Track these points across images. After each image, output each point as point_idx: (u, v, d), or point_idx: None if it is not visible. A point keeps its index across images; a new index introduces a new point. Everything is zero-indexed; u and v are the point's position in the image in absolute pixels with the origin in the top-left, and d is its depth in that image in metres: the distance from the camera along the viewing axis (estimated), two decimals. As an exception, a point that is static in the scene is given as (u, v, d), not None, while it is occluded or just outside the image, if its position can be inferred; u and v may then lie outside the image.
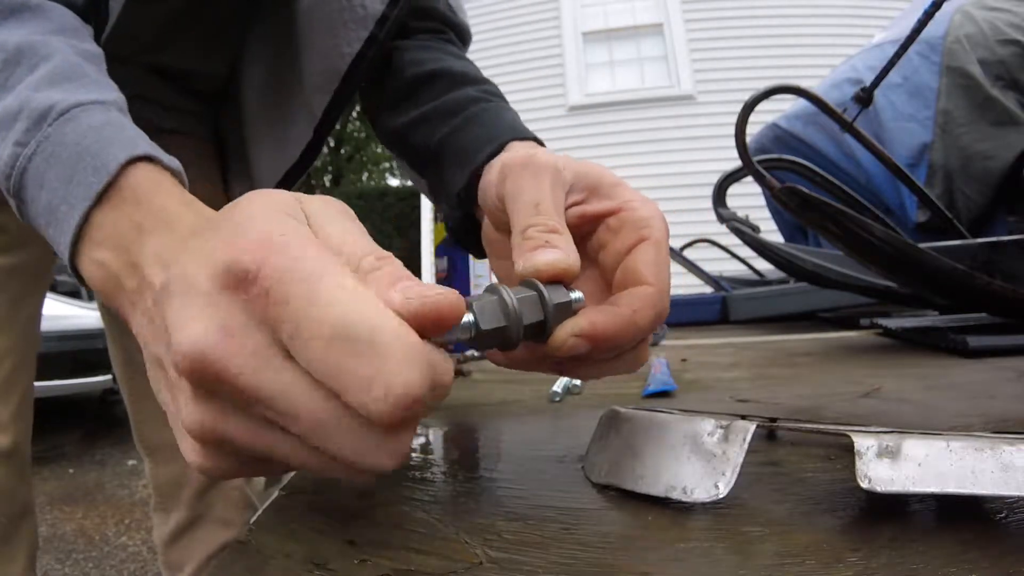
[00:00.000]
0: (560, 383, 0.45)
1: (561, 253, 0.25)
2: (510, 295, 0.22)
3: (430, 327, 0.19)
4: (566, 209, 0.29)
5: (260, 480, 1.95)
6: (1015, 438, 0.19)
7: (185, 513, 0.67)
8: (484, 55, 5.22)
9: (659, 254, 0.27)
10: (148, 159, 0.27)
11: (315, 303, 0.17)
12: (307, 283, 0.18)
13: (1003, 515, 0.19)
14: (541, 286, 0.24)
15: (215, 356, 0.18)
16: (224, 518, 0.68)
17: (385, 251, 0.21)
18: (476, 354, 0.69)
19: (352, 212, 0.23)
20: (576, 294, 0.25)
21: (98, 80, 0.30)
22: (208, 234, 0.21)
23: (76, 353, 2.94)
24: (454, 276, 0.79)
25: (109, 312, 0.67)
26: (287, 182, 0.58)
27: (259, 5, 0.56)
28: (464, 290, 0.78)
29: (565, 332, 0.24)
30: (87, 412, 3.58)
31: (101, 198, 0.26)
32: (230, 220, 0.20)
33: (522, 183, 0.29)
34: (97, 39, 0.42)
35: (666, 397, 0.43)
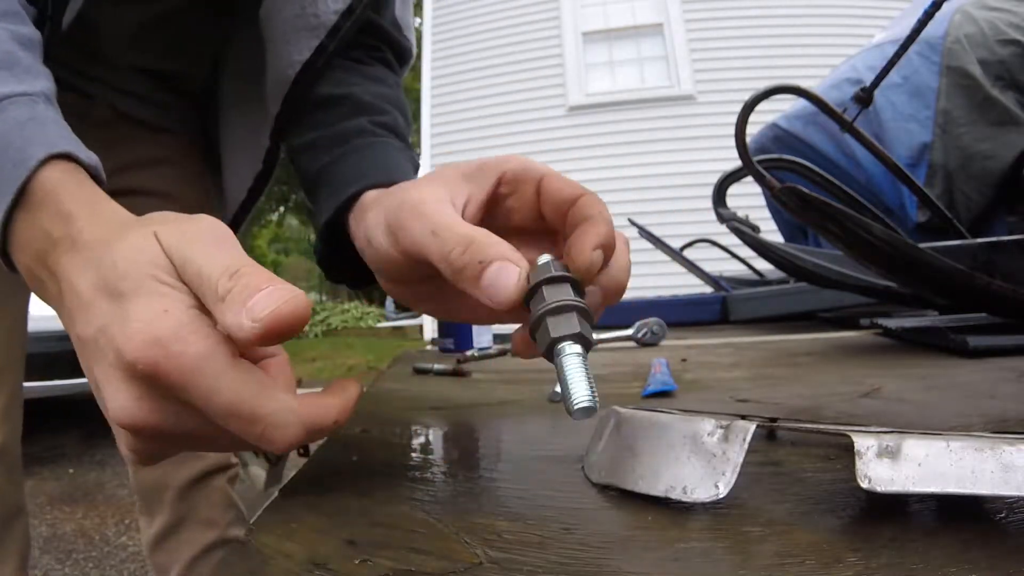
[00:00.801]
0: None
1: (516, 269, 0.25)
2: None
3: (283, 334, 0.22)
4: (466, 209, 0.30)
5: (260, 479, 1.94)
6: (1015, 438, 0.19)
7: (169, 515, 0.68)
8: (484, 55, 5.22)
9: (562, 180, 0.30)
10: (66, 157, 0.27)
11: (211, 394, 0.22)
12: (200, 376, 0.22)
13: (1003, 515, 0.19)
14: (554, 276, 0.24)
15: (141, 423, 0.23)
16: (208, 518, 0.69)
17: (243, 260, 0.24)
18: (476, 354, 0.69)
19: (211, 227, 0.25)
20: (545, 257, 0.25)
21: (30, 68, 0.30)
22: (107, 292, 0.24)
23: (76, 353, 2.94)
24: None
25: None
26: (256, 189, 0.59)
27: (234, 12, 0.56)
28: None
29: (588, 249, 0.25)
30: (87, 412, 3.57)
31: (20, 201, 0.26)
32: (125, 283, 0.23)
33: (417, 224, 0.28)
34: (58, 19, 0.42)
35: (666, 397, 0.43)
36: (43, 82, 0.30)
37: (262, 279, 0.23)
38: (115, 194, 0.29)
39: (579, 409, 0.21)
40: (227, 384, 0.22)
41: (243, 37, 0.57)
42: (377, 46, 0.53)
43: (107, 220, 0.26)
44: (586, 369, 0.22)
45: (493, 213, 0.31)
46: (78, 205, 0.26)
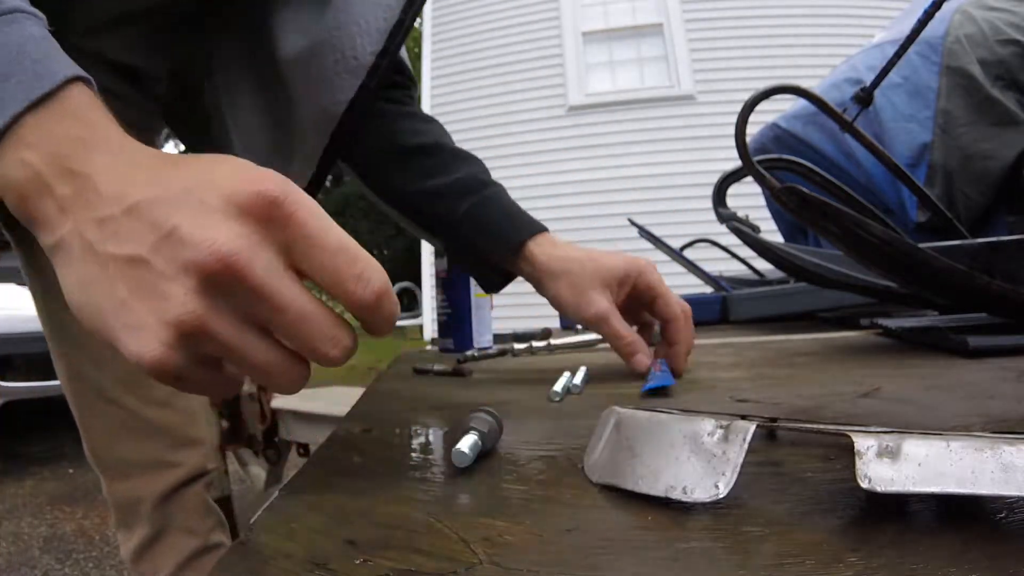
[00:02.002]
0: (560, 383, 0.45)
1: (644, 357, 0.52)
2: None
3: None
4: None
5: (260, 479, 1.94)
6: (1015, 438, 0.19)
7: (147, 527, 0.67)
8: (484, 55, 5.22)
9: (667, 301, 0.54)
10: (87, 83, 0.27)
11: (326, 229, 0.24)
12: (319, 214, 0.25)
13: (1003, 515, 0.19)
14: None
15: (243, 258, 0.23)
16: (187, 527, 0.68)
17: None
18: (476, 354, 0.69)
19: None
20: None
21: None
22: (196, 167, 0.25)
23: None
24: (454, 276, 0.79)
25: (53, 327, 0.66)
26: None
27: (222, 25, 0.57)
28: (463, 290, 0.78)
29: (682, 362, 0.52)
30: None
31: (39, 105, 0.25)
32: (221, 162, 0.25)
33: (585, 297, 0.53)
34: None
35: (664, 395, 0.43)
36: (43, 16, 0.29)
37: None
38: None
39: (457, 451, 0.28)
40: (336, 226, 0.25)
41: (250, 78, 0.57)
42: (405, 83, 0.62)
43: (149, 149, 0.26)
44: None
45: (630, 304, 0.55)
46: (115, 128, 0.26)
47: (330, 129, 0.54)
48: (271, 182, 0.24)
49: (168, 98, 0.64)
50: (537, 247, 0.55)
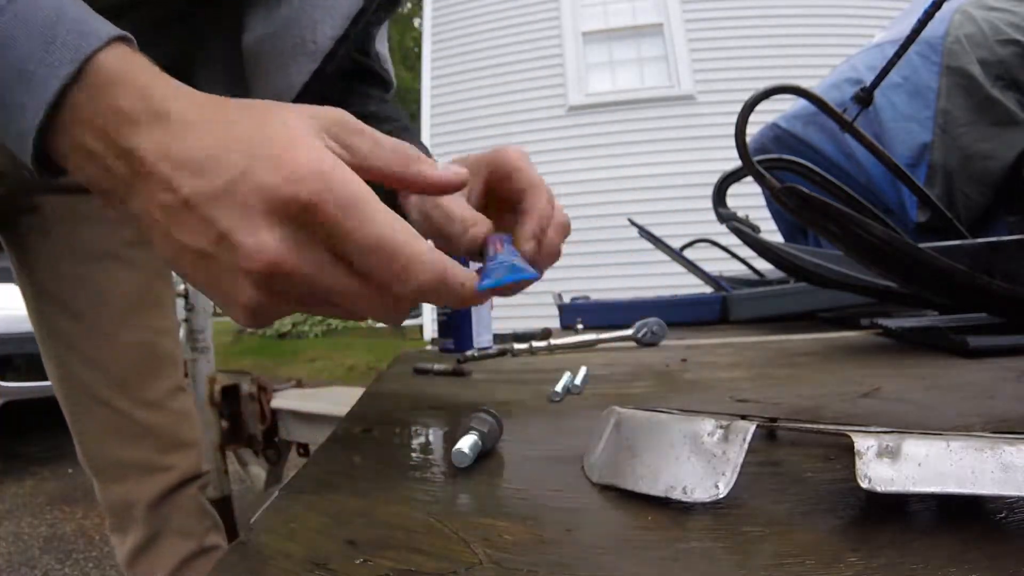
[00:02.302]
0: (560, 383, 0.45)
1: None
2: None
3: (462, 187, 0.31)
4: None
5: (260, 479, 1.94)
6: (1015, 438, 0.19)
7: (142, 531, 0.66)
8: (484, 55, 5.22)
9: (525, 173, 0.39)
10: (128, 42, 0.27)
11: (364, 224, 0.25)
12: (356, 209, 0.24)
13: (1003, 515, 0.19)
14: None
15: (289, 261, 0.24)
16: (182, 530, 0.68)
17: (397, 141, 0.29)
18: (476, 354, 0.69)
19: (350, 117, 0.28)
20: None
21: None
22: (239, 144, 0.25)
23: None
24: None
25: (44, 329, 0.65)
26: None
27: (198, 20, 0.57)
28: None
29: (527, 236, 0.36)
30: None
31: (81, 75, 0.25)
32: (267, 141, 0.25)
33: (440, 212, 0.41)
34: None
35: (508, 293, 0.33)
36: None
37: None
38: (68, 190, 0.29)
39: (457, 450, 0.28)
40: (380, 217, 0.25)
41: (219, 56, 0.57)
42: (371, 79, 0.60)
43: (205, 98, 0.26)
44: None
45: (490, 195, 0.42)
46: (163, 85, 0.26)
47: None
48: (307, 183, 0.24)
49: None
50: None
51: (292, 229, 0.25)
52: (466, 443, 0.28)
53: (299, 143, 0.25)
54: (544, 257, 0.38)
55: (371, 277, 0.26)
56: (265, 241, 0.24)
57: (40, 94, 0.24)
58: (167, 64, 0.28)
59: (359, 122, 0.28)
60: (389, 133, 0.53)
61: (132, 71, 0.26)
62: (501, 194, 0.40)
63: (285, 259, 0.24)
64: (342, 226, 0.24)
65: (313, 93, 0.51)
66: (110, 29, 0.26)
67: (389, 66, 0.63)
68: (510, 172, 0.40)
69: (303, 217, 0.24)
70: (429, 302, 0.28)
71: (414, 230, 0.26)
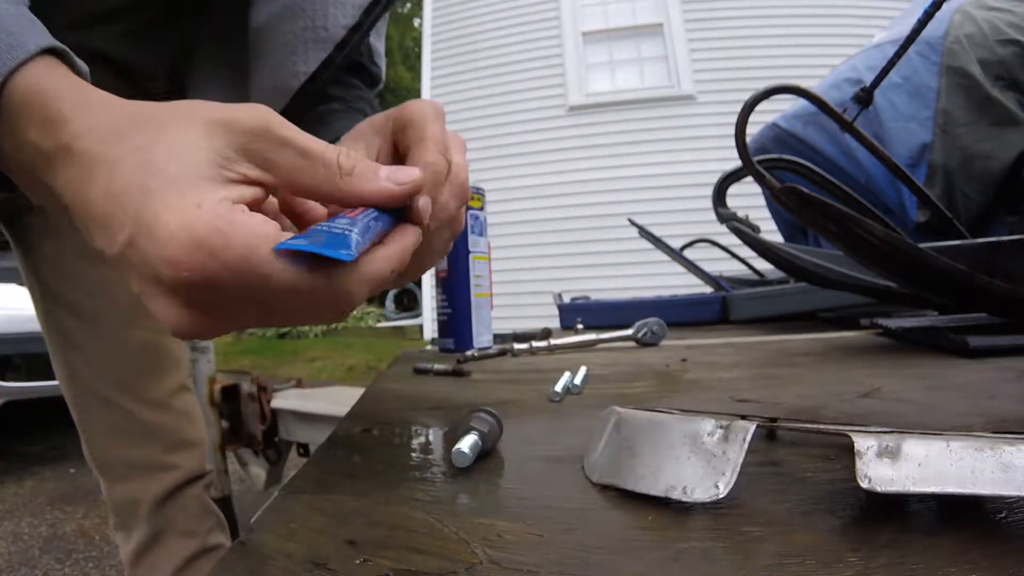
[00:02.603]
0: (560, 383, 0.45)
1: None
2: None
3: (416, 194, 0.27)
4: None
5: (260, 479, 1.94)
6: (1015, 438, 0.19)
7: (146, 530, 0.67)
8: (484, 55, 5.22)
9: (419, 123, 0.32)
10: (55, 53, 0.25)
11: (266, 283, 0.22)
12: (248, 267, 0.21)
13: (1003, 515, 0.19)
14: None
15: (200, 332, 0.23)
16: (186, 530, 0.68)
17: (343, 148, 0.26)
18: (476, 354, 0.69)
19: (274, 122, 0.24)
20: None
21: None
22: (124, 206, 0.22)
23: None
24: (454, 274, 0.79)
25: (51, 329, 0.66)
26: None
27: (204, 9, 0.56)
28: (463, 290, 0.78)
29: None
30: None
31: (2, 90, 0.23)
32: (147, 196, 0.21)
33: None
34: None
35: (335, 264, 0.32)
36: None
37: (371, 161, 0.26)
38: None
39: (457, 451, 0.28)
40: (282, 267, 0.22)
41: (215, 40, 0.56)
42: (356, 72, 0.57)
43: (116, 116, 0.23)
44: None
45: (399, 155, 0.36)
46: (72, 105, 0.23)
47: (282, 105, 0.50)
48: (184, 262, 0.21)
49: (164, 95, 0.64)
50: None
51: (195, 296, 0.22)
52: (466, 443, 0.28)
53: (173, 204, 0.21)
54: (436, 221, 0.32)
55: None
56: (176, 319, 0.23)
57: None
58: (171, 62, 0.27)
59: (284, 128, 0.24)
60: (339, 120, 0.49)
61: (46, 94, 0.23)
62: (402, 152, 0.34)
63: (202, 328, 0.23)
64: (244, 290, 0.22)
65: (321, 81, 0.49)
66: (38, 40, 0.24)
67: (381, 61, 0.60)
68: (405, 126, 0.34)
69: (199, 289, 0.22)
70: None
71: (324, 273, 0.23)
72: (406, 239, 0.27)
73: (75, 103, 0.23)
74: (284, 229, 0.24)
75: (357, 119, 0.54)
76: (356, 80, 0.57)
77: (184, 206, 0.21)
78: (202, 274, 0.21)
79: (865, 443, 0.19)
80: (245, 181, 0.24)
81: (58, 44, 0.25)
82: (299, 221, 0.31)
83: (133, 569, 0.68)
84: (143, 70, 0.61)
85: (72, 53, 0.26)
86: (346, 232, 0.24)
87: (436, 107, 0.34)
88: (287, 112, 0.50)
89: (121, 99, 0.24)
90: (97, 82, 0.57)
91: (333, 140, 0.51)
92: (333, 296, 0.23)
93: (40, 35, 0.25)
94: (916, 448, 0.19)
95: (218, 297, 0.22)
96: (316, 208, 0.31)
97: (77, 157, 0.22)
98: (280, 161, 0.24)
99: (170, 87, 0.63)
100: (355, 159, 0.25)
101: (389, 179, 0.26)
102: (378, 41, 0.59)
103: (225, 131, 0.23)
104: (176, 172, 0.22)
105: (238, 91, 0.55)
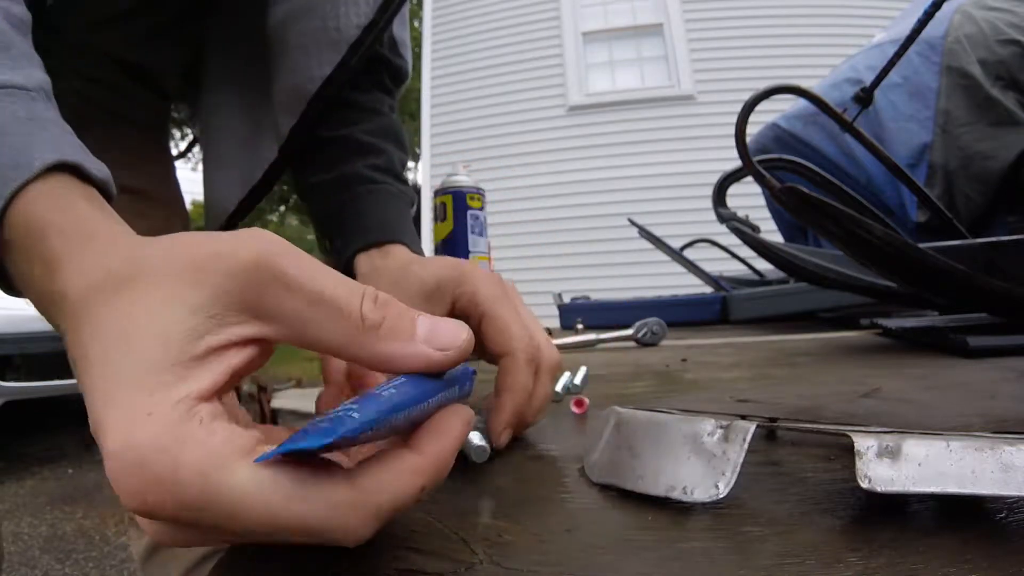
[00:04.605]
0: (560, 383, 0.45)
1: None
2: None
3: (461, 361, 0.21)
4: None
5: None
6: (1015, 438, 0.19)
7: None
8: (484, 55, 5.22)
9: (499, 324, 0.32)
10: (71, 168, 0.22)
11: (230, 517, 0.17)
12: (201, 502, 0.16)
13: (1003, 515, 0.19)
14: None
15: (170, 543, 0.18)
16: None
17: (355, 282, 0.20)
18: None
19: (280, 257, 0.19)
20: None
21: (25, 54, 0.25)
22: (96, 389, 0.18)
23: None
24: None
25: None
26: (250, 201, 0.58)
27: (219, 6, 0.55)
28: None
29: (499, 429, 0.30)
30: (87, 412, 3.57)
31: (4, 218, 0.21)
32: (107, 392, 0.18)
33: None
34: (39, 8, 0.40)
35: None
36: (40, 73, 0.25)
37: (409, 307, 0.21)
38: None
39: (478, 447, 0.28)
40: (246, 498, 0.16)
41: (233, 41, 0.56)
42: (375, 69, 0.54)
43: (110, 261, 0.19)
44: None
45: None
46: (71, 246, 0.20)
47: (300, 108, 0.49)
48: (127, 463, 0.16)
49: (179, 93, 0.64)
50: (367, 259, 0.45)
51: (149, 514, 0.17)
52: (478, 437, 0.28)
53: (125, 405, 0.17)
54: (533, 419, 0.32)
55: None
56: (145, 525, 0.18)
57: None
58: (189, 60, 0.25)
59: (290, 265, 0.19)
60: (365, 188, 0.48)
61: (47, 228, 0.20)
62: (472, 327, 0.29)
63: (172, 538, 0.18)
64: (205, 522, 0.17)
65: (337, 86, 0.48)
66: (44, 154, 0.21)
67: (406, 52, 0.57)
68: (481, 316, 0.32)
69: (150, 519, 0.17)
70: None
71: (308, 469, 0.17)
72: (446, 439, 0.20)
73: (74, 241, 0.20)
74: (345, 398, 0.20)
75: (377, 119, 0.52)
76: (376, 91, 0.55)
77: (133, 414, 0.17)
78: (145, 507, 0.17)
79: (865, 443, 0.19)
80: (232, 345, 0.19)
81: (68, 157, 0.22)
82: (360, 384, 0.27)
83: (145, 565, 0.68)
84: (159, 70, 0.61)
85: (88, 163, 0.23)
86: (347, 415, 0.17)
87: (497, 281, 0.33)
88: (306, 115, 0.49)
89: (123, 232, 0.21)
90: (112, 83, 0.56)
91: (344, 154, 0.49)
92: (326, 526, 0.17)
93: (48, 145, 0.22)
94: (916, 448, 0.19)
95: (182, 524, 0.17)
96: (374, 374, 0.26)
97: (69, 306, 0.19)
98: (283, 310, 0.19)
99: (185, 86, 0.63)
100: (385, 309, 0.20)
101: (428, 341, 0.20)
102: (402, 30, 0.56)
103: (214, 274, 0.18)
104: (142, 356, 0.18)
105: (252, 90, 0.55)
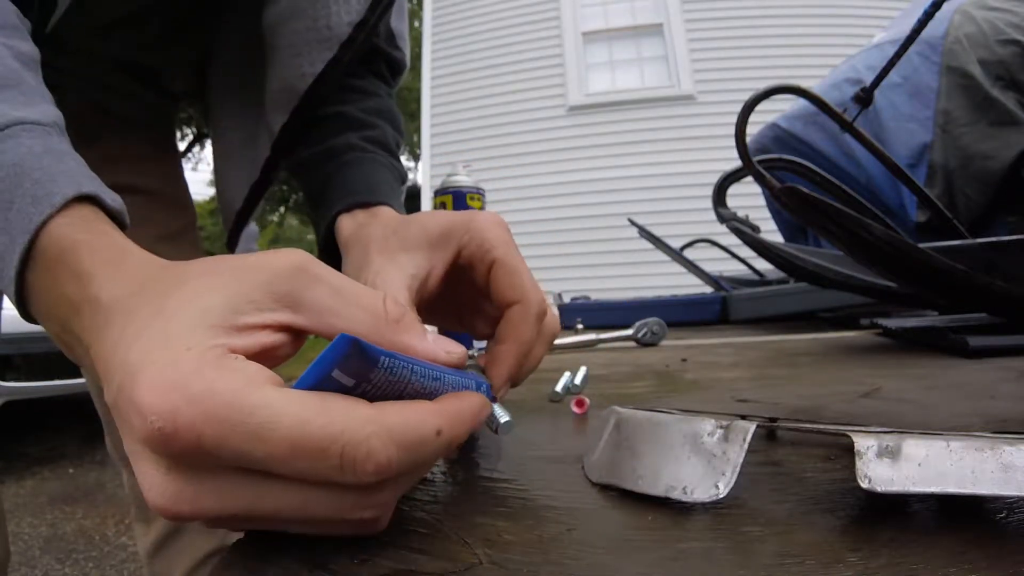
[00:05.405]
0: (560, 383, 0.45)
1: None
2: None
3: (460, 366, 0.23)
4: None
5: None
6: (1015, 438, 0.19)
7: (165, 524, 0.66)
8: (484, 55, 5.22)
9: (510, 270, 0.30)
10: (88, 199, 0.24)
11: (257, 433, 0.17)
12: (231, 418, 0.17)
13: (1003, 515, 0.19)
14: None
15: (176, 505, 0.18)
16: (204, 527, 0.68)
17: (390, 294, 0.23)
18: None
19: (306, 261, 0.21)
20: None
21: (37, 90, 0.27)
22: (121, 361, 0.19)
23: None
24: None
25: None
26: (253, 198, 0.58)
27: (235, 8, 0.55)
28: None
29: (499, 383, 0.28)
30: (87, 412, 3.57)
31: (31, 253, 0.22)
32: (142, 353, 0.19)
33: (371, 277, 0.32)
34: (44, 24, 0.40)
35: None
36: (52, 108, 0.27)
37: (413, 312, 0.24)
38: None
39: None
40: (276, 411, 0.17)
41: (236, 41, 0.57)
42: (372, 60, 0.54)
43: (145, 269, 0.22)
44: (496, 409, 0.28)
45: (455, 281, 0.33)
46: (102, 260, 0.22)
47: (292, 106, 0.49)
48: (162, 385, 0.17)
49: (188, 94, 0.64)
50: (351, 219, 0.41)
51: (175, 458, 0.18)
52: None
53: (167, 346, 0.18)
54: (519, 381, 0.31)
55: (306, 480, 0.18)
56: (148, 477, 0.19)
57: (8, 263, 0.23)
58: (197, 60, 0.26)
59: (320, 268, 0.22)
60: (352, 160, 0.45)
61: (78, 249, 0.22)
62: (474, 279, 0.32)
63: (178, 500, 0.18)
64: (229, 443, 0.17)
65: (329, 83, 0.48)
66: (65, 189, 0.23)
67: (404, 44, 0.57)
68: (492, 261, 0.30)
69: (178, 444, 0.18)
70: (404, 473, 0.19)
71: (338, 401, 0.18)
72: (464, 399, 0.22)
73: (107, 257, 0.22)
74: None
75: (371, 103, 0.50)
76: (372, 80, 0.54)
77: (174, 349, 0.18)
78: (173, 423, 0.17)
79: (865, 443, 0.19)
80: (266, 327, 0.21)
81: (87, 190, 0.24)
82: None
83: (151, 561, 0.68)
84: (166, 73, 0.61)
85: (104, 194, 0.24)
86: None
87: (505, 228, 0.32)
88: (298, 114, 0.49)
89: (153, 256, 0.23)
90: (121, 89, 0.56)
91: (334, 143, 0.48)
92: (340, 450, 0.17)
93: (67, 178, 0.23)
94: (916, 448, 0.19)
95: (202, 457, 0.18)
96: None
97: (103, 306, 0.21)
98: (312, 300, 0.21)
99: (191, 89, 0.63)
100: (403, 307, 0.22)
101: (438, 344, 0.23)
102: (400, 22, 0.56)
103: (255, 272, 0.21)
104: (182, 318, 0.19)
105: (254, 90, 0.55)
